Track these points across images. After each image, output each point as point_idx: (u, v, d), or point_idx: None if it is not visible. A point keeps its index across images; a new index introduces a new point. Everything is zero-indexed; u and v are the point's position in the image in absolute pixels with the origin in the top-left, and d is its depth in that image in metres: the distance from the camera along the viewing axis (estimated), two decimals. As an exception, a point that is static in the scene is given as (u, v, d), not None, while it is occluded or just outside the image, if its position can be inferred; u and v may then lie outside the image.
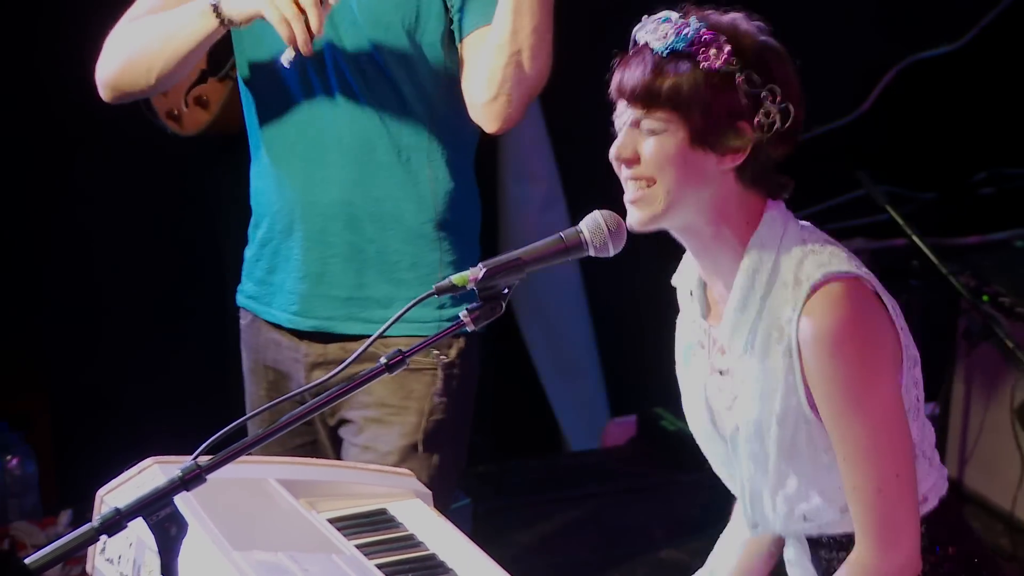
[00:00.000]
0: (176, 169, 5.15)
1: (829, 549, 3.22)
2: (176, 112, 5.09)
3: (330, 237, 3.97)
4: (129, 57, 3.94)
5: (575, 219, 3.17)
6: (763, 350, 3.15)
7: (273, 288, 4.07)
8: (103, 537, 2.83)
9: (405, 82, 3.86)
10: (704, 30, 3.09)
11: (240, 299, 4.14)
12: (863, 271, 3.14)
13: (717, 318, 3.25)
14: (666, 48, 3.10)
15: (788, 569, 3.32)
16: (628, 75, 3.12)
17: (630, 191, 3.15)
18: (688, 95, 3.08)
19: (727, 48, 3.08)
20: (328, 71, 3.87)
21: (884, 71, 6.44)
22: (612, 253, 3.13)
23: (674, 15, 3.12)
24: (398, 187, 3.92)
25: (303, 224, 3.99)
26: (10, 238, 5.83)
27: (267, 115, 3.98)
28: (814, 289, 3.09)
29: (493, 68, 3.78)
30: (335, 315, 3.98)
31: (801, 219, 3.21)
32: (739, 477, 3.27)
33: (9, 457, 5.60)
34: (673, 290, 3.36)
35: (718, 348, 3.25)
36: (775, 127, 3.10)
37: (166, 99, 5.12)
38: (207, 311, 5.80)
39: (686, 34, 3.09)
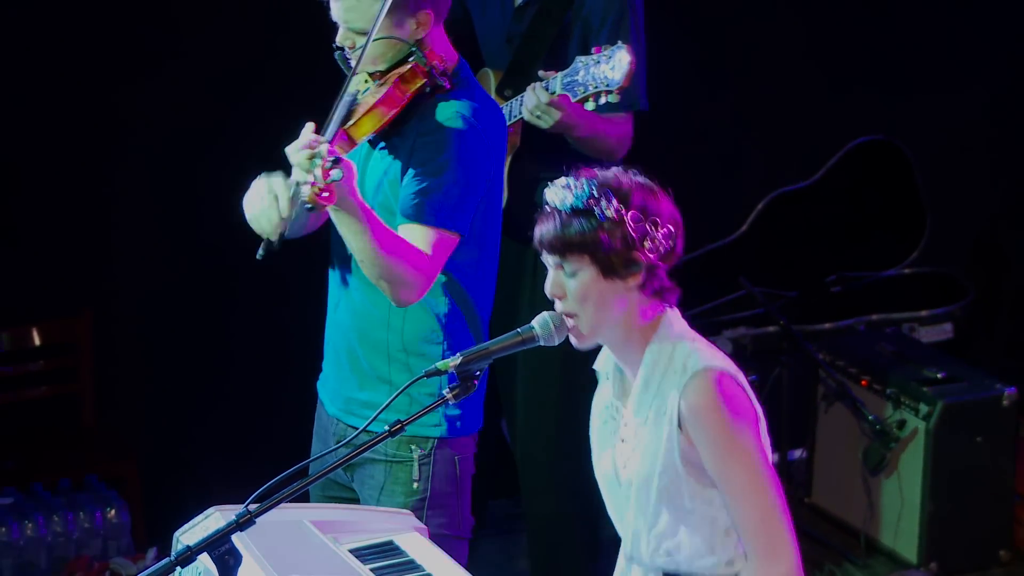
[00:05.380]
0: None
1: None
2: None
3: (340, 348, 3.87)
4: None
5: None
6: (655, 420, 3.11)
7: (325, 374, 3.98)
8: (178, 568, 2.83)
9: None
10: (594, 187, 3.06)
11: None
12: (732, 368, 3.11)
13: (626, 396, 3.21)
14: (568, 206, 3.07)
15: None
16: (543, 231, 3.10)
17: (567, 323, 3.12)
18: (591, 240, 3.05)
19: (613, 198, 3.05)
20: None
21: (757, 201, 6.45)
22: (557, 343, 3.13)
23: (572, 180, 3.09)
24: (391, 318, 3.78)
25: (329, 333, 3.93)
26: (110, 331, 5.75)
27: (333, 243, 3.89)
28: (693, 375, 3.06)
29: None
30: (343, 408, 3.88)
31: (699, 313, 3.21)
32: (626, 519, 3.21)
33: (108, 509, 5.53)
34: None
35: (624, 421, 3.21)
36: (661, 248, 3.07)
37: None
38: (269, 390, 5.78)
39: (580, 194, 3.06)
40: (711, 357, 3.10)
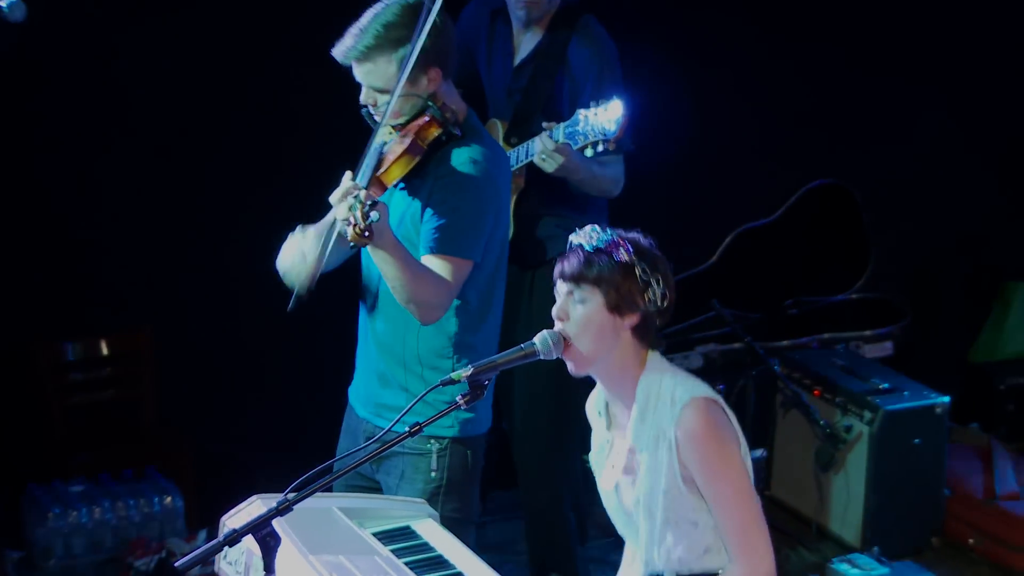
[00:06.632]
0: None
1: None
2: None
3: (370, 364, 3.94)
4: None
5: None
6: (652, 448, 3.18)
7: (356, 383, 4.04)
8: (226, 548, 2.86)
9: None
10: (616, 237, 3.18)
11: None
12: (712, 392, 3.19)
13: (618, 429, 3.29)
14: (592, 246, 3.17)
15: None
16: (567, 264, 3.19)
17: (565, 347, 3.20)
18: (605, 277, 3.14)
19: (631, 248, 3.17)
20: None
21: (726, 236, 6.45)
22: (554, 358, 3.19)
23: (599, 228, 3.20)
24: (408, 338, 3.82)
25: (361, 344, 3.99)
26: (169, 343, 5.78)
27: (362, 283, 3.99)
28: (684, 406, 3.14)
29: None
30: (373, 412, 3.93)
31: (675, 331, 3.23)
32: (639, 534, 3.26)
33: (165, 496, 5.59)
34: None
35: (617, 451, 3.27)
36: (658, 302, 3.17)
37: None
38: (304, 395, 5.80)
39: (604, 238, 3.18)
40: (694, 387, 3.19)
